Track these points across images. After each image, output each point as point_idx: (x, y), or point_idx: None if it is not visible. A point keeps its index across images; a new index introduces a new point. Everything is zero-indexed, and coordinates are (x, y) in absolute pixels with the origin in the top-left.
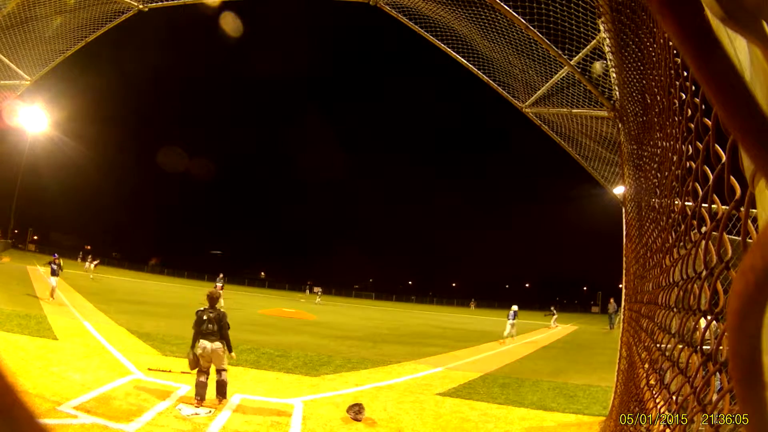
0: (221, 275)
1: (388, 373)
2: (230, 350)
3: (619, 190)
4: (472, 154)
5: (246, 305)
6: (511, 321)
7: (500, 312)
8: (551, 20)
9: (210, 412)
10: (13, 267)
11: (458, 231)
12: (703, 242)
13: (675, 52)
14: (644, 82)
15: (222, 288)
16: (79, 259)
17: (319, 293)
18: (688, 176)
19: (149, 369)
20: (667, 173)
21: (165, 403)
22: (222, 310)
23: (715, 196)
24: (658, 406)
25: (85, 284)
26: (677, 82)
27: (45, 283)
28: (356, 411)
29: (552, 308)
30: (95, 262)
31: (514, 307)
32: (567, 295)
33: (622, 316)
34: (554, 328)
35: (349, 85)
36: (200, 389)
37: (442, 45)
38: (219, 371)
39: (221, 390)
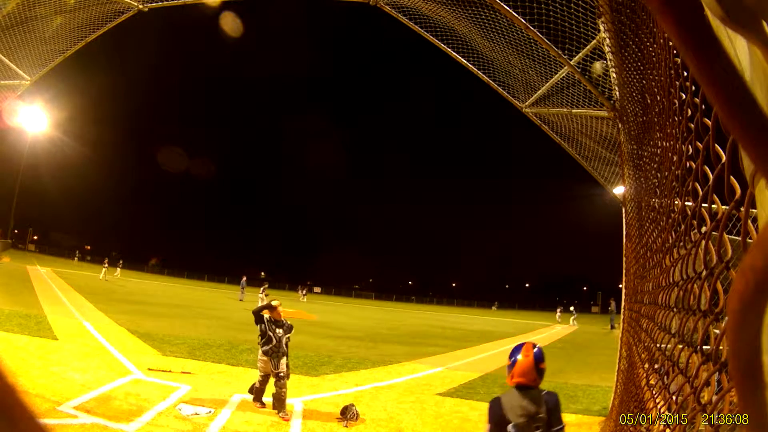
0: (245, 278)
1: (388, 372)
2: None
3: (619, 190)
4: (472, 154)
5: (245, 305)
6: (573, 315)
7: (501, 312)
8: (551, 20)
9: (210, 412)
10: (13, 267)
11: (459, 231)
12: (703, 242)
13: (675, 52)
14: (644, 82)
15: (244, 290)
16: (106, 265)
17: (305, 291)
18: (688, 176)
19: (149, 369)
20: (667, 173)
21: (165, 403)
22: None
23: (715, 196)
24: (658, 406)
25: (84, 284)
26: (677, 82)
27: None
28: (346, 417)
29: (570, 309)
30: (106, 265)
31: (572, 308)
32: (567, 295)
33: (621, 316)
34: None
35: (349, 84)
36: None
37: (442, 45)
38: None
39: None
